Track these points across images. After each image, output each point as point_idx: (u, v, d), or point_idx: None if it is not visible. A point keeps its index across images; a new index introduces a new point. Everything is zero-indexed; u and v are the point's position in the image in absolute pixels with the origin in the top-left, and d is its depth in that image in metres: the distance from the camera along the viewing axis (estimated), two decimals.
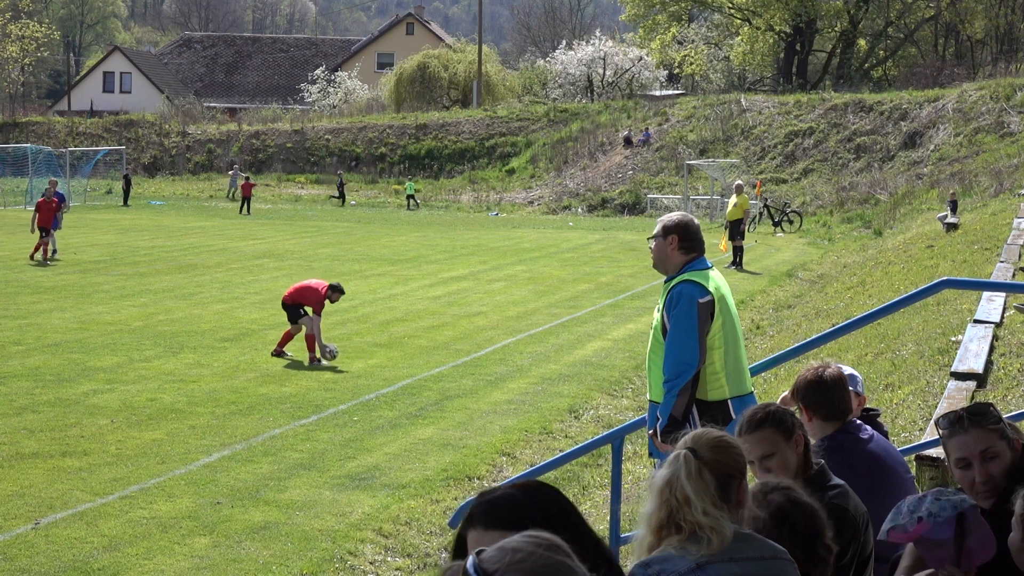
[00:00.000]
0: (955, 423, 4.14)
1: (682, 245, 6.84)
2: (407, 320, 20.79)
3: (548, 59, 79.74)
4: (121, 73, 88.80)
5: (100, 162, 60.73)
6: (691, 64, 76.19)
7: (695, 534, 3.35)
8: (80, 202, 52.98)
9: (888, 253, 26.95)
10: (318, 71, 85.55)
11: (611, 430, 8.44)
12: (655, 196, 51.67)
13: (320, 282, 17.40)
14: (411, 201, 53.11)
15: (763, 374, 11.51)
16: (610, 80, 75.73)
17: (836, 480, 4.51)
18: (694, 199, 46.99)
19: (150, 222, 42.70)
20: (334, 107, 79.95)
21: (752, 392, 6.97)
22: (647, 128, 58.04)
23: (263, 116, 73.51)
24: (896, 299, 7.14)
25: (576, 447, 8.86)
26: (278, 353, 17.12)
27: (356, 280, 26.21)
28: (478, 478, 11.28)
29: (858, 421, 5.20)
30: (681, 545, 3.35)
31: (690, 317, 6.67)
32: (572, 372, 16.43)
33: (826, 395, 5.08)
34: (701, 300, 6.71)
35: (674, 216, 6.94)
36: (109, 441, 12.31)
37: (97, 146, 63.76)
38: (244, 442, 12.38)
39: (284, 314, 17.46)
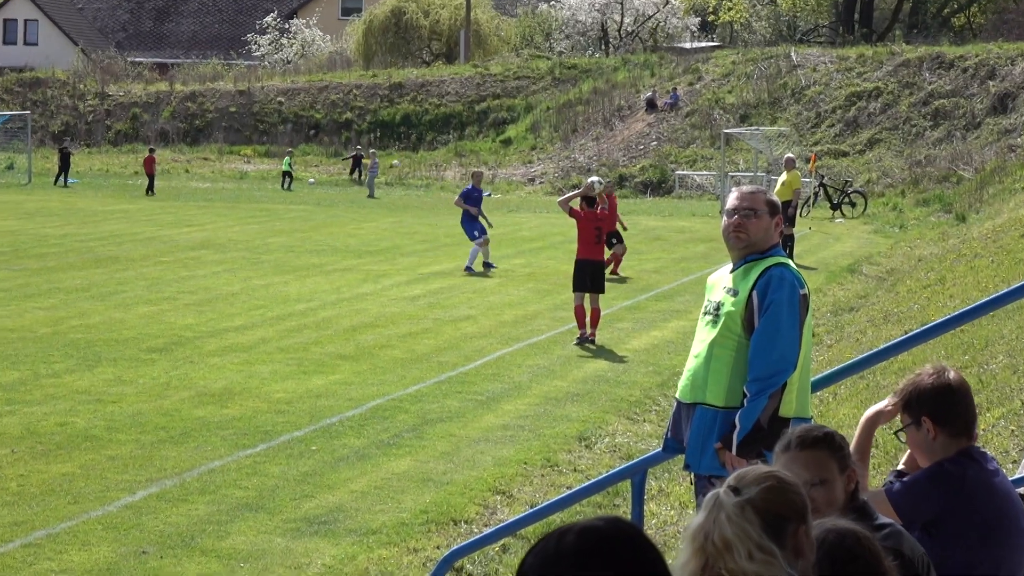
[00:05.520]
0: None
1: (780, 229, 7.13)
2: (378, 326, 20.76)
3: (552, 3, 79.79)
4: (25, 20, 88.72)
5: None
6: (729, 9, 76.25)
7: None
8: None
9: (973, 243, 26.94)
10: (268, 18, 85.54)
11: (631, 462, 8.40)
12: (684, 172, 51.66)
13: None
14: (287, 179, 52.66)
15: (819, 392, 11.48)
16: (629, 29, 75.77)
17: (883, 519, 4.52)
18: (733, 176, 46.98)
19: (60, 205, 42.64)
20: (288, 63, 79.92)
21: (812, 417, 7.02)
22: (675, 88, 58.06)
23: (201, 74, 73.50)
24: (983, 300, 7.10)
25: (588, 483, 8.82)
26: (592, 338, 19.37)
27: (315, 276, 26.19)
28: (466, 522, 11.25)
29: (980, 447, 5.15)
30: None
31: (792, 306, 6.84)
32: (582, 390, 16.41)
33: (957, 405, 5.02)
34: (802, 292, 6.91)
35: (771, 194, 7.28)
36: (8, 476, 12.27)
37: None
38: (176, 477, 12.34)
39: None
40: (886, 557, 3.88)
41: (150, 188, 48.55)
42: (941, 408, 5.01)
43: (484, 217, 28.29)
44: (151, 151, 50.92)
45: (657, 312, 22.56)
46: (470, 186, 29.01)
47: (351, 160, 56.55)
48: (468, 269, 27.31)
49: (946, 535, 4.90)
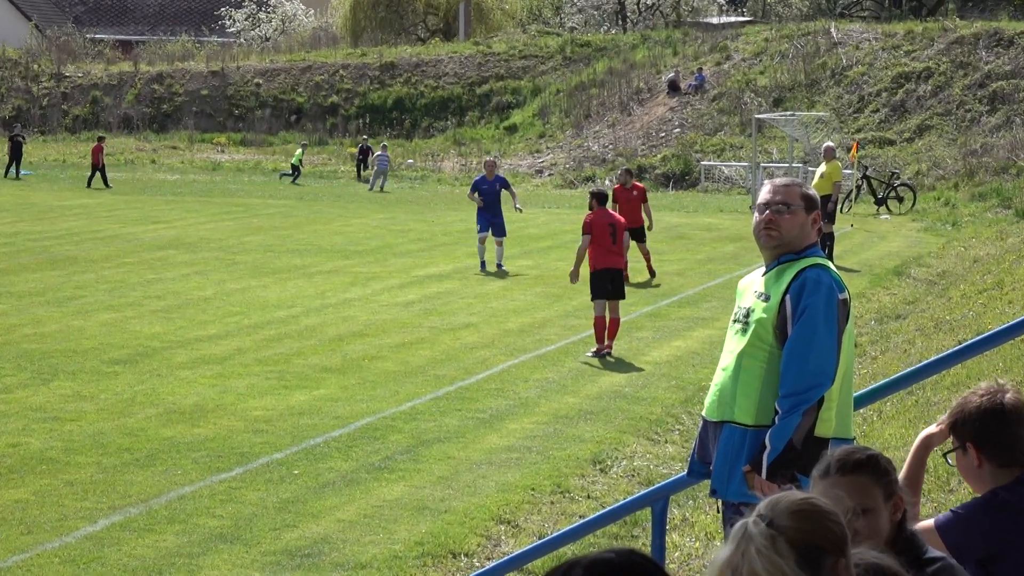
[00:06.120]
0: None
1: (818, 226, 7.11)
2: (368, 335, 20.78)
3: None
4: None
5: None
6: None
7: None
8: None
9: None
10: None
11: (651, 488, 8.41)
12: (711, 163, 51.61)
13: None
14: (296, 172, 52.24)
15: (862, 410, 11.49)
16: (649, 2, 75.81)
17: (933, 552, 4.52)
18: (765, 167, 46.96)
19: (12, 198, 42.68)
20: (267, 40, 79.99)
21: (854, 438, 7.00)
22: (700, 69, 58.07)
23: (169, 52, 73.54)
24: None
25: (603, 511, 8.84)
26: (609, 350, 19.35)
27: (298, 279, 26.20)
28: (466, 555, 11.26)
29: None
30: None
31: (830, 312, 6.82)
32: (597, 408, 16.42)
33: (1006, 432, 4.98)
34: (841, 296, 6.88)
35: (808, 187, 7.20)
36: None
37: None
38: (142, 504, 12.36)
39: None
40: None
41: (103, 181, 48.38)
42: (987, 435, 4.98)
43: (513, 195, 29.18)
44: (100, 139, 50.75)
45: (680, 320, 22.55)
46: (480, 176, 29.52)
47: (357, 152, 55.32)
48: (481, 266, 28.11)
49: (1004, 572, 4.89)
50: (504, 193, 28.91)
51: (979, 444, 5.00)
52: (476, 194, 28.60)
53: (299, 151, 53.62)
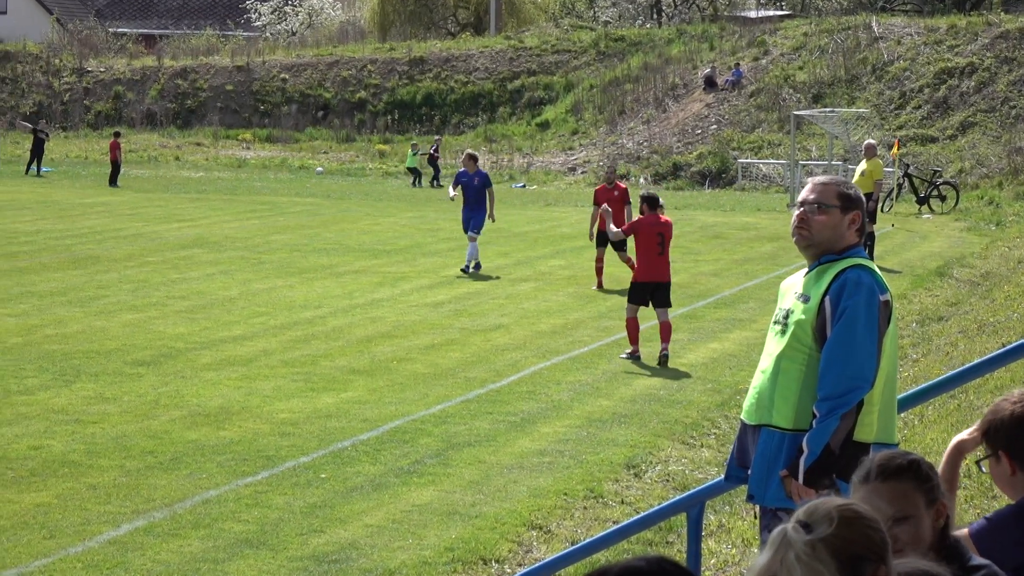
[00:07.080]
0: None
1: (859, 226, 7.06)
2: (396, 336, 20.80)
3: None
4: None
5: None
6: None
7: None
8: None
9: None
10: None
11: (686, 493, 8.41)
12: (748, 161, 51.53)
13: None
14: (415, 177, 51.95)
15: (904, 414, 11.46)
16: None
17: (978, 560, 4.51)
18: (804, 165, 46.86)
19: (34, 196, 42.83)
20: (293, 34, 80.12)
21: (897, 443, 6.99)
22: (738, 64, 57.96)
23: (193, 47, 73.76)
24: None
25: (637, 517, 8.84)
26: (665, 353, 18.98)
27: (325, 279, 26.24)
28: (497, 561, 11.27)
29: None
30: None
31: (870, 314, 6.80)
32: (631, 411, 16.41)
33: None
34: (882, 297, 6.86)
35: (850, 186, 7.15)
36: None
37: None
38: (166, 508, 12.40)
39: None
40: None
41: (113, 178, 48.58)
42: (1020, 443, 4.97)
43: (491, 200, 28.14)
44: (116, 135, 50.80)
45: (717, 321, 22.52)
46: (461, 170, 29.09)
47: (429, 157, 53.44)
48: (464, 269, 27.53)
49: None
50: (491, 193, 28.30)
51: (1011, 452, 4.99)
52: (458, 189, 28.23)
53: (411, 154, 52.91)
